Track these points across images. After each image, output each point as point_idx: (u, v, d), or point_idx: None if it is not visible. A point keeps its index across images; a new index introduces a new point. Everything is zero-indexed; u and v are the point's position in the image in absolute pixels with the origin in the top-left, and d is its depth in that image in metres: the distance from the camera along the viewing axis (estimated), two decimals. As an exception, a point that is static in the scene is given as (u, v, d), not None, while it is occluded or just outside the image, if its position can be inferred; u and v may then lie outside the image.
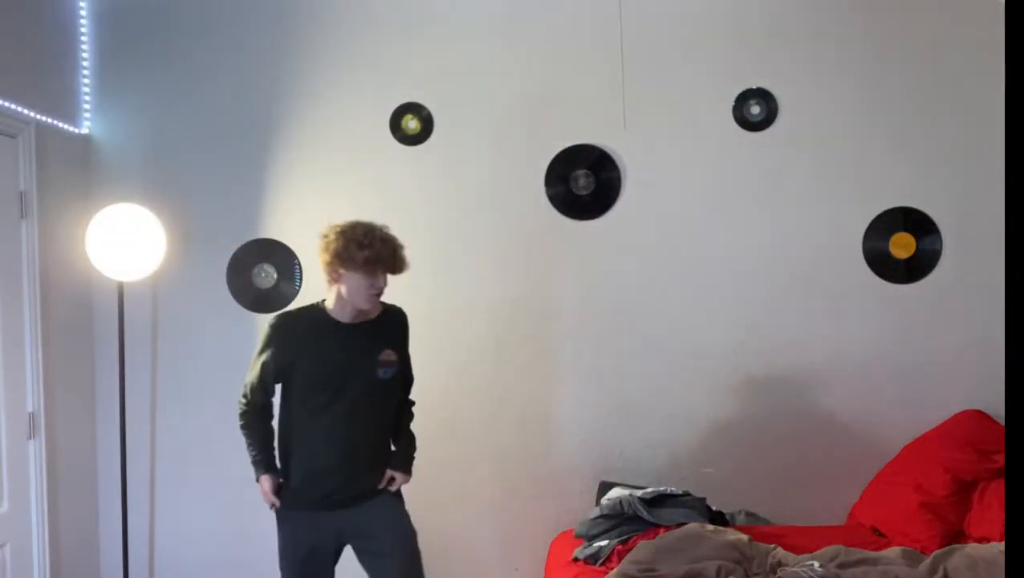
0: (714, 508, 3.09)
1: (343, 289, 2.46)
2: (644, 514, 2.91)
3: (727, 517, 3.11)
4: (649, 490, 3.05)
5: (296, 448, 2.56)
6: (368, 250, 2.41)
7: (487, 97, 3.41)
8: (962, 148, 3.35)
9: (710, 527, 2.82)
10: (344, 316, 2.51)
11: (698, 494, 3.09)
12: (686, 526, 2.81)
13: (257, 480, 2.58)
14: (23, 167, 3.00)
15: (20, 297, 2.97)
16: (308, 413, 2.51)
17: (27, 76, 3.07)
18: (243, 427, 2.65)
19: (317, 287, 3.42)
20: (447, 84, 3.41)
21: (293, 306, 3.00)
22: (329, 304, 2.53)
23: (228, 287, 3.43)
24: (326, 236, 2.48)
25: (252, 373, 2.59)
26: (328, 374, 2.49)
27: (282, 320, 2.58)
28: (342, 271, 2.44)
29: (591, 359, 3.41)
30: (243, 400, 2.63)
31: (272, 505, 2.57)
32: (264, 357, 2.54)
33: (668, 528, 2.86)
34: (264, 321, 3.39)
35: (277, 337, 2.53)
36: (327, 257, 2.44)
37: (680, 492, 3.06)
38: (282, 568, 2.59)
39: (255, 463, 2.60)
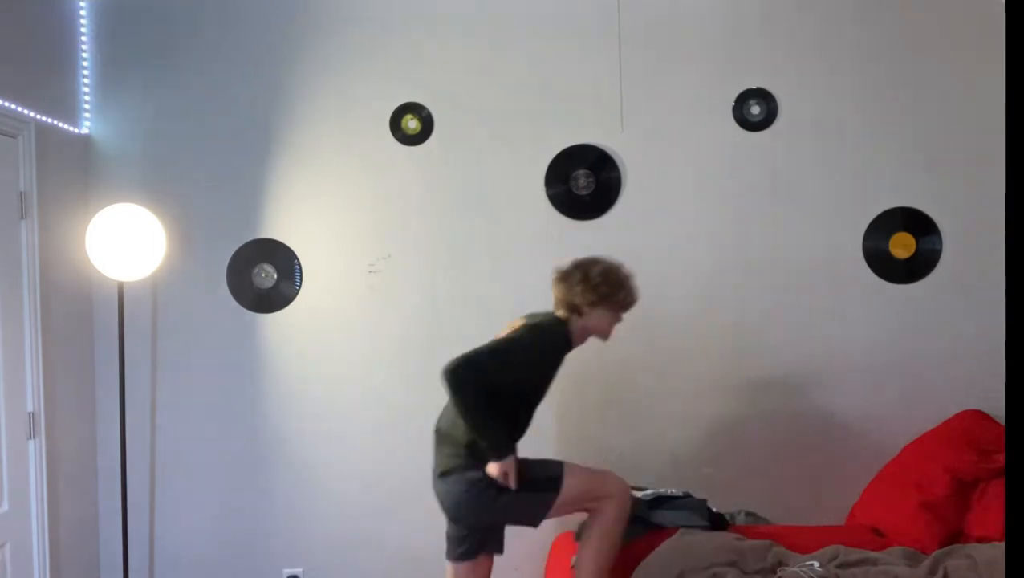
0: (715, 509, 3.08)
1: (591, 322, 2.69)
2: (645, 516, 2.91)
3: (728, 518, 3.10)
4: (649, 492, 3.04)
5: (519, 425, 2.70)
6: (631, 296, 2.72)
7: (487, 97, 3.41)
8: (962, 148, 3.35)
9: (702, 533, 2.80)
10: (575, 340, 2.71)
11: (699, 494, 3.08)
12: (673, 539, 2.78)
13: (503, 458, 2.55)
14: (23, 167, 3.00)
15: (20, 297, 2.97)
16: (527, 416, 2.70)
17: (27, 76, 3.07)
18: (486, 408, 2.56)
19: (317, 287, 3.44)
20: (447, 84, 3.41)
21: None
22: (567, 323, 2.69)
23: (228, 287, 3.44)
24: (593, 276, 2.66)
25: (518, 371, 2.62)
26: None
27: (567, 344, 2.70)
28: (601, 309, 2.67)
29: (591, 359, 3.40)
30: (479, 375, 2.55)
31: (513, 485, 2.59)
32: (543, 369, 2.67)
33: (669, 531, 2.85)
34: (263, 321, 3.43)
35: (560, 358, 2.68)
36: (591, 297, 2.65)
37: (680, 493, 3.05)
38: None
39: (506, 444, 2.58)
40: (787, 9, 3.37)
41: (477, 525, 2.73)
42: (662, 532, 2.87)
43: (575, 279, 2.67)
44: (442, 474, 2.68)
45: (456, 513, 2.70)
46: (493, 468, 2.55)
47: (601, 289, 2.66)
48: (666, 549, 2.72)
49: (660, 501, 3.00)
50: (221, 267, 3.43)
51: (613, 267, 2.71)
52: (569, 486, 2.63)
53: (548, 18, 3.40)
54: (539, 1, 3.40)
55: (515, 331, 2.68)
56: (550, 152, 3.39)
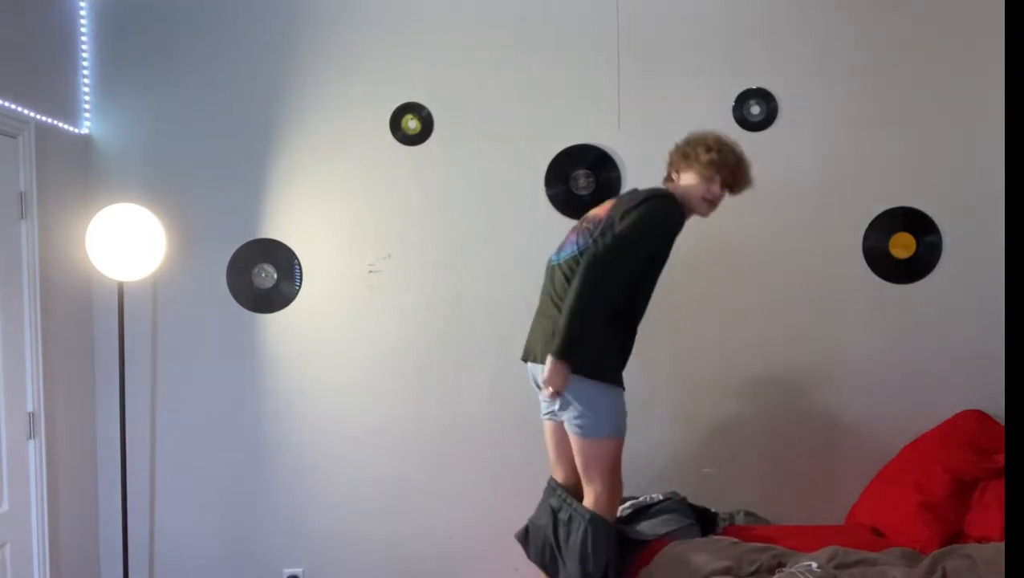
0: (712, 509, 3.08)
1: (678, 189, 2.70)
2: (628, 534, 2.84)
3: (720, 516, 3.09)
4: (627, 505, 2.99)
5: (634, 328, 2.70)
6: (723, 166, 2.65)
7: (487, 97, 3.41)
8: (962, 148, 3.35)
9: (696, 541, 2.77)
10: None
11: (699, 495, 3.09)
12: (665, 551, 2.72)
13: (567, 357, 2.51)
14: (23, 167, 3.00)
15: (20, 297, 2.97)
16: (644, 298, 2.67)
17: (27, 76, 3.07)
18: (594, 313, 2.49)
19: (317, 287, 3.44)
20: (447, 84, 3.41)
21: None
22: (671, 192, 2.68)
23: (228, 287, 3.44)
24: (689, 139, 2.74)
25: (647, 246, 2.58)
26: None
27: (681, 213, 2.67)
28: (689, 174, 2.69)
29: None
30: (613, 259, 2.50)
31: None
32: (665, 246, 2.64)
33: (660, 542, 2.79)
34: (263, 321, 3.43)
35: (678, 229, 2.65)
36: (677, 157, 2.74)
37: (660, 497, 3.02)
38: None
39: (577, 345, 2.50)
40: (787, 9, 3.37)
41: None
42: (654, 545, 2.80)
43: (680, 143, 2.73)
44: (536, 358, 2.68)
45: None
46: (555, 369, 2.48)
47: (687, 149, 2.70)
48: (657, 566, 2.67)
49: (638, 513, 2.96)
50: (221, 267, 3.43)
51: (717, 138, 2.69)
52: (610, 446, 2.62)
53: (548, 18, 3.40)
54: (539, 1, 3.40)
55: (633, 214, 2.55)
56: (550, 152, 3.39)
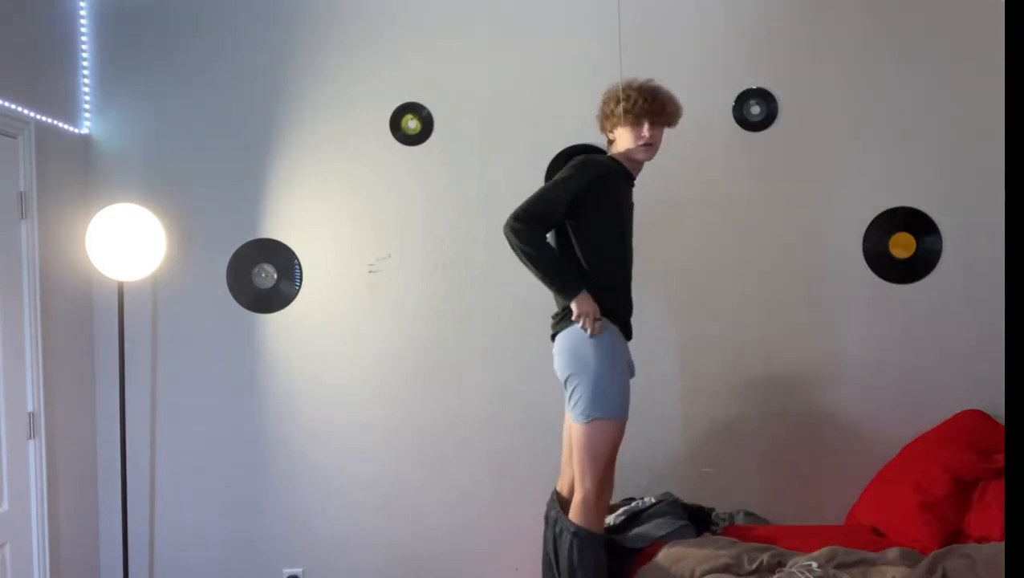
0: (706, 506, 3.08)
1: (619, 146, 2.76)
2: (622, 542, 2.84)
3: (714, 513, 3.09)
4: (620, 512, 2.99)
5: (622, 287, 2.78)
6: (638, 102, 2.68)
7: (487, 97, 3.41)
8: (962, 148, 3.35)
9: (694, 541, 2.77)
10: (628, 168, 2.78)
11: (698, 495, 3.08)
12: (662, 553, 2.71)
13: (574, 298, 2.63)
14: (23, 167, 3.01)
15: (20, 297, 2.97)
16: (612, 260, 2.76)
17: (27, 76, 3.07)
18: (542, 255, 2.63)
19: (317, 287, 3.44)
20: (447, 84, 3.41)
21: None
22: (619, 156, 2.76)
23: (228, 287, 3.44)
24: (603, 99, 2.80)
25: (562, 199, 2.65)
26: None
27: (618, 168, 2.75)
28: (620, 129, 2.73)
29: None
30: (528, 223, 2.60)
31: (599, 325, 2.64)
32: (602, 202, 2.70)
33: (655, 546, 2.78)
34: (263, 321, 3.43)
35: (615, 185, 2.73)
36: (601, 115, 2.80)
37: (653, 501, 3.01)
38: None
39: (572, 282, 2.64)
40: (787, 9, 3.37)
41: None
42: (649, 549, 2.78)
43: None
44: (553, 337, 2.77)
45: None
46: (574, 307, 2.61)
47: (604, 109, 2.77)
48: (655, 567, 2.66)
49: (631, 520, 2.95)
50: (221, 267, 3.43)
51: (627, 84, 2.72)
52: (609, 429, 2.64)
53: (548, 18, 3.40)
54: (539, 1, 3.40)
55: (565, 169, 2.70)
56: (550, 152, 3.39)
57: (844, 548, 2.59)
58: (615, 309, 2.73)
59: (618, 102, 2.70)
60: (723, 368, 3.40)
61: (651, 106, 2.69)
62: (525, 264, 2.63)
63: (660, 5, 3.37)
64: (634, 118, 2.68)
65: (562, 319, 2.72)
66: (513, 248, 2.62)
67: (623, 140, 2.74)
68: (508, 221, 2.61)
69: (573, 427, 2.72)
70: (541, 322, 3.42)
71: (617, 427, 2.68)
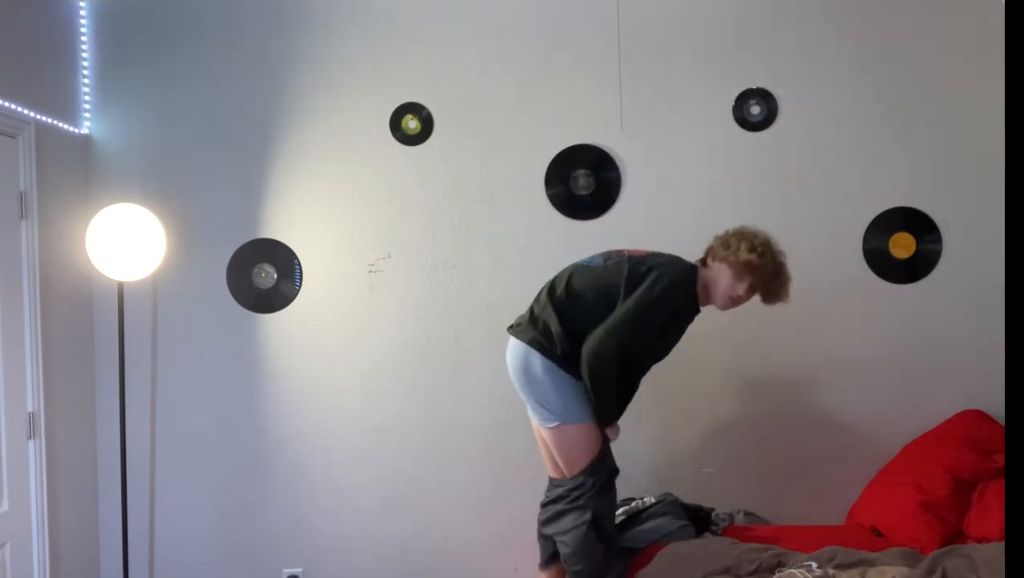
0: (705, 506, 3.07)
1: (710, 274, 2.65)
2: (624, 544, 2.83)
3: (714, 513, 3.09)
4: (620, 513, 2.98)
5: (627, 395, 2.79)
6: (755, 270, 2.59)
7: (487, 97, 3.41)
8: (962, 148, 3.35)
9: (694, 541, 2.77)
10: (700, 299, 2.68)
11: (698, 494, 3.08)
12: (660, 555, 2.71)
13: (609, 425, 2.69)
14: (23, 167, 3.01)
15: (20, 297, 2.98)
16: (644, 368, 2.76)
17: (27, 76, 3.07)
18: (614, 382, 2.60)
19: (317, 287, 3.44)
20: (447, 84, 3.41)
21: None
22: (695, 273, 2.66)
23: (228, 287, 3.44)
24: (734, 232, 2.69)
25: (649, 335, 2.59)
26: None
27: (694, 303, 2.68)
28: (723, 266, 2.62)
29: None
30: (611, 354, 2.52)
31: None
32: (674, 331, 2.69)
33: (655, 546, 2.78)
34: (263, 321, 3.43)
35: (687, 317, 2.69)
36: (718, 245, 2.66)
37: (653, 501, 3.01)
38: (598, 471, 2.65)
39: (615, 414, 2.70)
40: (787, 9, 3.37)
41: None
42: (649, 550, 2.78)
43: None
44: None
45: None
46: (607, 432, 2.68)
47: (730, 239, 2.62)
48: (655, 568, 2.65)
49: (631, 520, 2.94)
50: (221, 267, 3.43)
51: (767, 240, 2.64)
52: (584, 430, 2.63)
53: (548, 18, 3.40)
54: (539, 1, 3.40)
55: (649, 290, 2.55)
56: (550, 152, 3.39)
57: (844, 548, 2.59)
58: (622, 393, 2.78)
59: (751, 249, 2.57)
60: (723, 368, 3.40)
61: (771, 280, 2.62)
62: (587, 381, 2.54)
63: (660, 5, 3.37)
64: (747, 273, 2.59)
65: (525, 331, 2.65)
66: (588, 366, 2.51)
67: (718, 278, 2.63)
68: (596, 346, 2.49)
69: (544, 433, 2.71)
70: (541, 322, 3.42)
71: (588, 429, 2.64)
